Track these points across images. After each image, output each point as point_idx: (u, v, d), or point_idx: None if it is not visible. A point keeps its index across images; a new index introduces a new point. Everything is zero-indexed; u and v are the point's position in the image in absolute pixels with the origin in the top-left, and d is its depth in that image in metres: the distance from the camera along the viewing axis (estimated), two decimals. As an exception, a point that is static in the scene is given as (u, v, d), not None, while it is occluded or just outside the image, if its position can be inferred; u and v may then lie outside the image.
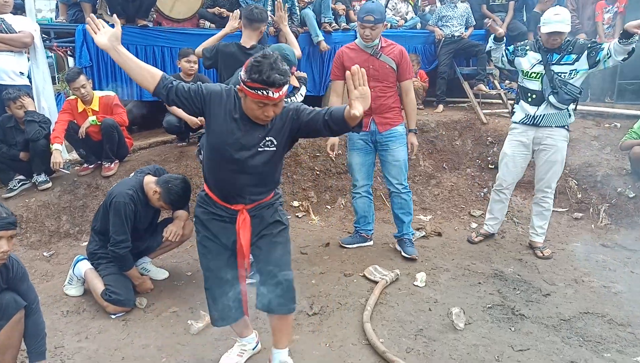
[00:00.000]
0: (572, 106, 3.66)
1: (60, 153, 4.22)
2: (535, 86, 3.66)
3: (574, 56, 3.54)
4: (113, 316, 3.01)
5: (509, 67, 3.89)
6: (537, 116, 3.69)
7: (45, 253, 3.88)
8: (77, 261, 3.27)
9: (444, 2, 6.40)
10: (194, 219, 2.29)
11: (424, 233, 4.26)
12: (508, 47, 3.82)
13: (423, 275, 3.43)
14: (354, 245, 3.98)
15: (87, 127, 4.22)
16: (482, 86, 6.00)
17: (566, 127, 3.73)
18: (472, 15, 6.20)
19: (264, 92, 1.88)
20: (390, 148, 3.68)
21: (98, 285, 3.08)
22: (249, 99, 1.94)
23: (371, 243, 4.04)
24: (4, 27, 4.44)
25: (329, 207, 4.83)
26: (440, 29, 6.13)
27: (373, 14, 3.39)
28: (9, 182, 4.36)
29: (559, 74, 3.56)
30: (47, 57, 6.42)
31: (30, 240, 3.98)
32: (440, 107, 6.04)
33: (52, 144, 4.19)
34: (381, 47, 3.56)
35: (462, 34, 6.06)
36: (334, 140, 3.85)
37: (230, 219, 2.19)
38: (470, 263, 3.73)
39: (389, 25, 5.88)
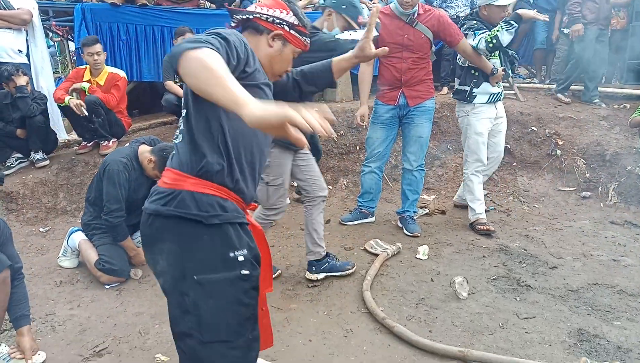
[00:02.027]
0: None
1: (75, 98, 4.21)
2: (497, 65, 3.58)
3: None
4: (107, 287, 2.94)
5: (485, 50, 3.41)
6: (500, 93, 3.70)
7: (41, 229, 3.82)
8: (72, 233, 3.21)
9: (448, -17, 6.26)
10: (240, 263, 1.40)
11: (427, 211, 4.16)
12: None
13: (425, 247, 3.33)
14: (354, 222, 3.89)
15: (78, 88, 4.24)
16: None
17: None
18: (477, -4, 6.07)
19: (308, 39, 1.63)
20: (415, 123, 3.53)
21: (92, 255, 3.02)
22: (290, 47, 1.57)
23: (373, 219, 3.94)
24: (2, 3, 4.39)
25: (330, 187, 4.73)
26: (445, 10, 6.00)
27: None
28: (6, 160, 4.30)
29: (509, 46, 3.57)
30: (49, 46, 6.39)
31: (26, 216, 3.91)
32: (445, 89, 5.92)
33: (65, 99, 4.13)
34: (418, 14, 3.35)
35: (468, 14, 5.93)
36: (364, 110, 3.62)
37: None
38: (474, 238, 3.62)
39: None
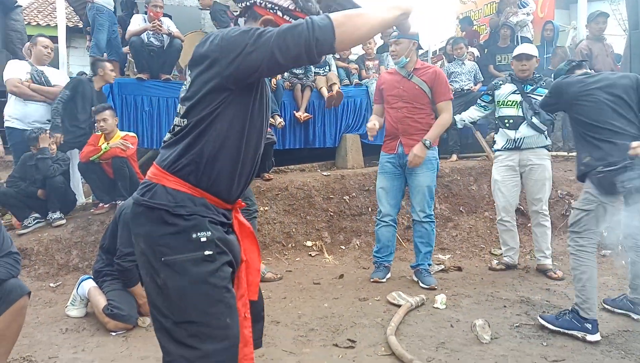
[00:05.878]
0: (547, 130, 3.91)
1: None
2: (512, 112, 3.92)
3: (545, 91, 3.59)
4: (113, 334, 2.85)
5: (489, 106, 4.25)
6: (517, 139, 3.89)
7: (51, 284, 3.78)
8: (82, 281, 3.18)
9: (452, 60, 6.67)
10: (203, 243, 1.39)
11: (443, 267, 4.06)
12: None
13: (443, 297, 3.21)
14: (387, 276, 3.76)
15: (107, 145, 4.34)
16: (494, 134, 6.03)
17: (547, 147, 3.94)
18: (479, 72, 6.40)
19: None
20: (416, 172, 3.57)
21: (100, 300, 2.96)
22: None
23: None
24: (44, 79, 4.75)
25: (343, 247, 4.69)
26: (450, 85, 6.30)
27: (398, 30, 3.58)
28: (24, 219, 4.39)
29: (537, 100, 3.77)
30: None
31: (38, 271, 3.90)
32: (454, 156, 6.05)
33: (102, 147, 4.30)
34: (415, 68, 3.59)
35: (472, 87, 6.23)
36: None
37: (229, 227, 1.53)
38: (493, 291, 3.49)
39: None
